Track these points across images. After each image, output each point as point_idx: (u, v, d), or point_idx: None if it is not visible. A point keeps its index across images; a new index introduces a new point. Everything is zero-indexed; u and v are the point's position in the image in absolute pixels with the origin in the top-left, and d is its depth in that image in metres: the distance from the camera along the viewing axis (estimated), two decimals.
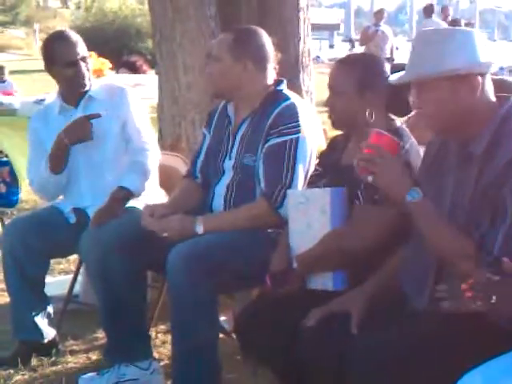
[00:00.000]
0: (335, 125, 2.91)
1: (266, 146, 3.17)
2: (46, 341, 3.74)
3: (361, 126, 2.83)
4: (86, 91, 3.77)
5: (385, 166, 2.34)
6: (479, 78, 2.31)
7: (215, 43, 3.37)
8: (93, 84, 3.81)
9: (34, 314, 3.70)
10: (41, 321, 3.72)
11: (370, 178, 2.37)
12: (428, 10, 14.70)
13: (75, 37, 3.75)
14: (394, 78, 2.50)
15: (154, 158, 3.75)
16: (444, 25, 14.53)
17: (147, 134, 3.79)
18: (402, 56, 14.99)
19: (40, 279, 3.73)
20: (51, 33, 3.98)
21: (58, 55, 3.71)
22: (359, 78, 2.80)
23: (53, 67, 3.74)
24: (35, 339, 3.71)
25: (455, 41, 2.31)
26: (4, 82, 12.73)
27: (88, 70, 3.76)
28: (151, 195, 3.74)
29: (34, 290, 3.71)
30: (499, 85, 2.46)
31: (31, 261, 3.63)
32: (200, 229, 3.14)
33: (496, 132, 2.31)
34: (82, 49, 3.73)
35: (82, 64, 3.72)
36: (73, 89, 3.78)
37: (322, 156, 3.09)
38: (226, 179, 3.31)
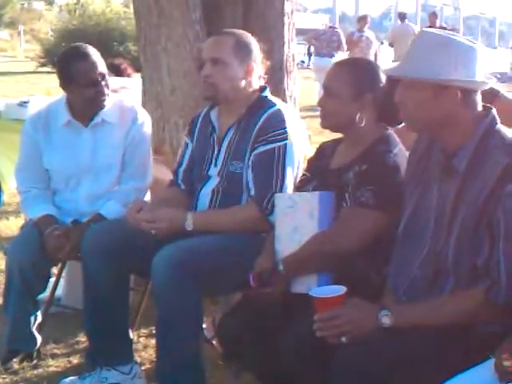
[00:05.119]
0: (323, 124, 2.90)
1: (254, 153, 3.15)
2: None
3: (350, 128, 2.84)
4: (99, 110, 3.60)
5: (349, 320, 2.31)
6: (459, 92, 2.28)
7: (214, 47, 3.23)
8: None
9: (31, 325, 3.64)
10: (34, 329, 3.66)
11: (343, 339, 2.30)
12: (401, 16, 16.83)
13: (94, 54, 3.55)
14: (387, 68, 2.52)
15: (143, 191, 3.70)
16: (416, 29, 15.58)
17: (142, 163, 3.68)
18: (385, 61, 15.10)
19: (41, 291, 3.67)
20: (68, 49, 3.73)
21: (77, 75, 3.50)
22: (355, 82, 2.81)
23: (70, 86, 3.55)
24: (29, 349, 3.67)
25: (458, 52, 2.29)
26: None
27: (108, 87, 3.57)
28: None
29: (34, 302, 3.65)
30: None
31: (39, 279, 3.58)
32: (189, 225, 3.12)
33: (478, 147, 2.30)
34: (101, 66, 3.54)
35: (103, 83, 3.54)
36: (91, 109, 3.60)
37: (311, 162, 3.08)
38: (212, 184, 3.28)
